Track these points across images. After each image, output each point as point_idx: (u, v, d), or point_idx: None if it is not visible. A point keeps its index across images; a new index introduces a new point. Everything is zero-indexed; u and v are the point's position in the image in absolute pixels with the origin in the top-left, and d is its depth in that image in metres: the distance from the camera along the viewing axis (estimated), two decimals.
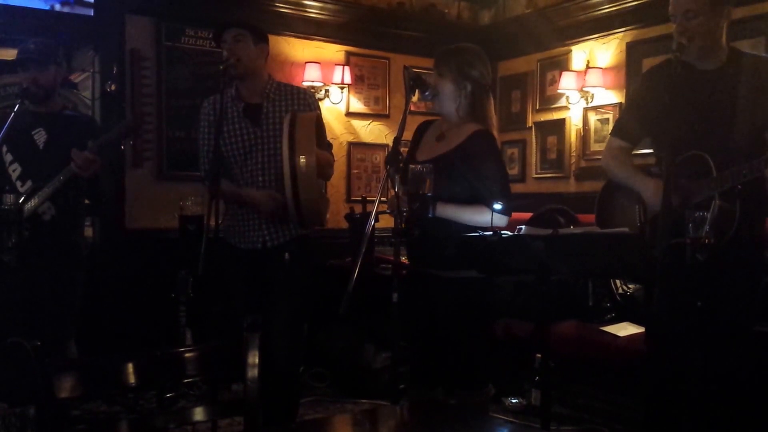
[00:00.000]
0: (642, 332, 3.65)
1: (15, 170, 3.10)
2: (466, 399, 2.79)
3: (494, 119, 2.88)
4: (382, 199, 2.52)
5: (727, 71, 2.48)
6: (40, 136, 3.14)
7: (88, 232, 4.60)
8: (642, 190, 2.59)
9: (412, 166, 2.59)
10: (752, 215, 2.43)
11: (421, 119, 3.06)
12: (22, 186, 3.07)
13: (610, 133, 2.87)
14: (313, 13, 5.28)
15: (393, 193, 2.50)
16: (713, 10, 2.42)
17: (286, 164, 2.66)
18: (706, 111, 2.47)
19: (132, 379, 1.64)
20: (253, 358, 1.76)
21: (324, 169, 3.00)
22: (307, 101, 3.04)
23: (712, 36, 2.45)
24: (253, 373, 1.76)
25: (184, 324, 3.93)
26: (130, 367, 1.63)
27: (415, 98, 2.79)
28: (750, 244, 2.47)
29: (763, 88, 2.42)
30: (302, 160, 2.66)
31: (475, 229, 2.77)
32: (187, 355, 1.75)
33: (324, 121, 3.19)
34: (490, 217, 2.64)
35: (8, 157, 3.11)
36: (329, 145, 3.12)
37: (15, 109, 3.04)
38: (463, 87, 2.79)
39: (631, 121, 2.74)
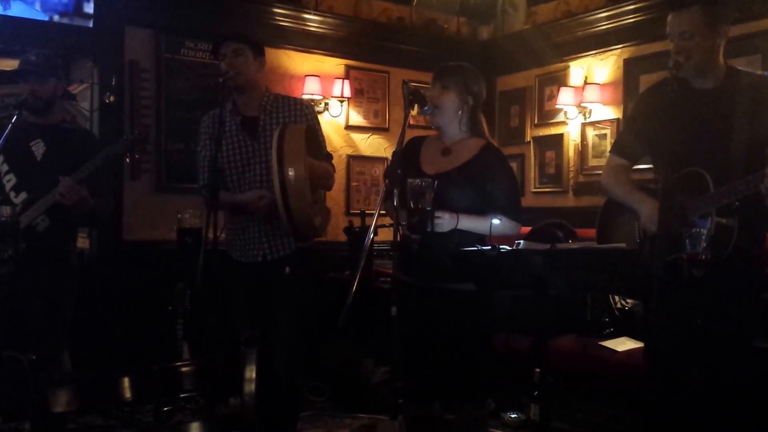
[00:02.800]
0: (640, 347, 3.64)
1: (9, 180, 3.09)
2: (466, 413, 2.78)
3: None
4: (381, 212, 2.52)
5: (724, 89, 2.49)
6: (38, 148, 3.13)
7: (85, 243, 4.60)
8: (639, 210, 2.59)
9: (410, 180, 2.59)
10: (751, 231, 2.43)
11: (419, 133, 3.06)
12: (15, 197, 3.06)
13: (610, 151, 2.89)
14: (313, 27, 5.31)
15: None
16: (709, 30, 2.44)
17: (275, 177, 2.67)
18: (705, 129, 2.48)
19: (128, 394, 1.64)
20: (250, 373, 1.76)
21: (322, 179, 3.00)
22: (303, 111, 3.04)
23: (709, 55, 2.47)
24: (250, 387, 1.76)
25: (181, 337, 3.90)
26: (126, 381, 1.62)
27: (414, 112, 2.80)
28: (749, 260, 2.47)
29: (760, 105, 2.43)
30: (291, 172, 2.66)
31: (475, 241, 2.78)
32: (183, 369, 1.75)
33: (323, 133, 3.19)
34: (506, 225, 2.75)
35: (3, 168, 3.11)
36: (328, 156, 3.11)
37: (13, 120, 3.04)
38: (465, 101, 2.83)
39: (630, 140, 2.76)
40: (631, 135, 2.76)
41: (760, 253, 2.54)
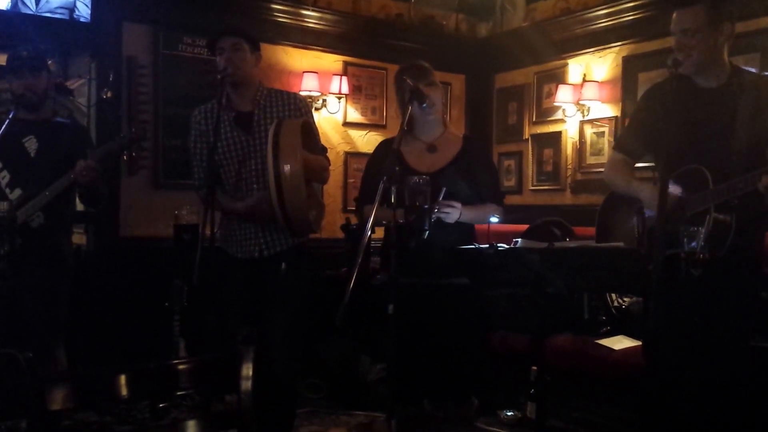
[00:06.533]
0: (637, 345, 3.64)
1: (4, 177, 3.09)
2: (452, 411, 2.79)
3: None
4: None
5: (728, 89, 2.50)
6: (31, 144, 3.12)
7: (82, 239, 4.59)
8: (641, 194, 2.61)
9: (409, 177, 2.59)
10: (748, 229, 2.43)
11: None
12: (10, 193, 3.06)
13: (613, 147, 2.93)
14: (311, 23, 5.29)
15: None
16: (712, 28, 2.45)
17: (270, 173, 2.66)
18: (707, 127, 2.48)
19: (124, 392, 1.63)
20: (247, 371, 1.75)
21: (317, 173, 3.00)
22: (297, 106, 3.03)
23: (711, 53, 2.47)
24: (247, 385, 1.75)
25: (178, 334, 3.90)
26: (123, 379, 1.61)
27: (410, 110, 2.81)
28: (746, 258, 2.47)
29: (763, 105, 2.44)
30: (286, 167, 2.66)
31: (470, 238, 2.79)
32: (180, 367, 1.74)
33: (320, 129, 3.19)
34: (498, 213, 2.93)
35: None
36: (323, 149, 3.11)
37: (10, 116, 3.03)
38: (444, 94, 2.96)
39: (632, 138, 2.77)
40: (633, 133, 2.78)
41: (758, 252, 2.54)
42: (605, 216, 2.84)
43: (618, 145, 2.86)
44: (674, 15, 2.51)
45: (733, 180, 2.31)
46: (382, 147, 3.10)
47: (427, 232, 2.57)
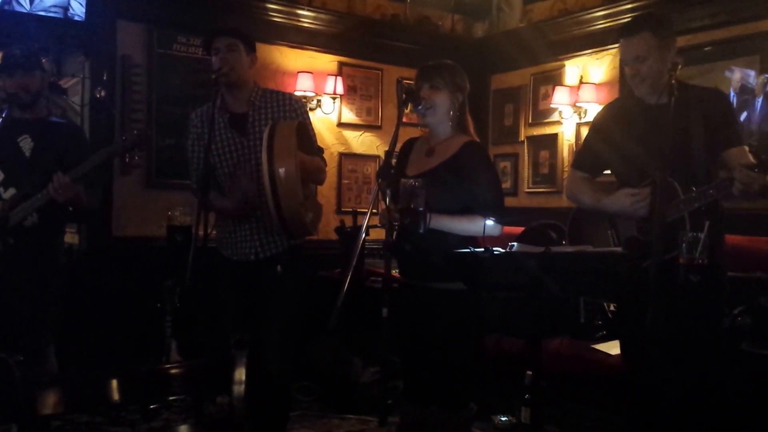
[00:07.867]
0: None
1: None
2: (449, 419, 2.77)
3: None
4: (373, 211, 2.50)
5: (676, 103, 2.54)
6: (26, 144, 3.10)
7: (74, 238, 4.56)
8: (614, 207, 2.64)
9: (403, 180, 2.56)
10: (714, 234, 2.46)
11: (413, 131, 3.05)
12: (4, 192, 3.03)
13: (571, 166, 2.98)
14: (306, 23, 5.27)
15: (383, 207, 2.49)
16: (662, 49, 2.53)
17: (265, 176, 2.64)
18: (661, 141, 2.52)
19: (116, 396, 1.61)
20: (240, 375, 1.74)
21: (314, 174, 2.98)
22: (293, 107, 3.00)
23: (662, 72, 2.54)
24: (239, 390, 1.73)
25: (170, 334, 3.88)
26: (115, 383, 1.59)
27: (407, 111, 2.78)
28: (715, 263, 2.49)
29: (709, 117, 2.52)
30: (281, 170, 2.63)
31: (467, 242, 2.75)
32: (172, 371, 1.72)
33: (314, 129, 3.16)
34: (482, 226, 2.61)
35: None
36: (320, 150, 3.08)
37: (3, 115, 3.01)
38: (456, 99, 2.81)
39: (589, 157, 2.85)
40: (589, 151, 2.85)
41: (721, 256, 2.59)
42: (576, 228, 2.88)
43: (576, 164, 2.92)
44: (622, 42, 2.60)
45: (705, 187, 2.38)
46: (402, 145, 3.01)
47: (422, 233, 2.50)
